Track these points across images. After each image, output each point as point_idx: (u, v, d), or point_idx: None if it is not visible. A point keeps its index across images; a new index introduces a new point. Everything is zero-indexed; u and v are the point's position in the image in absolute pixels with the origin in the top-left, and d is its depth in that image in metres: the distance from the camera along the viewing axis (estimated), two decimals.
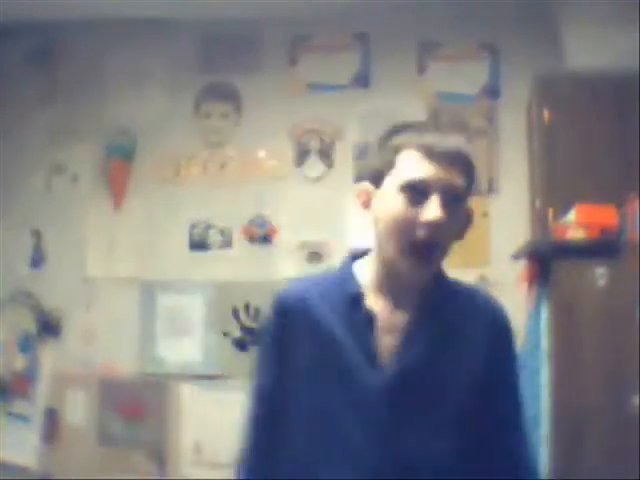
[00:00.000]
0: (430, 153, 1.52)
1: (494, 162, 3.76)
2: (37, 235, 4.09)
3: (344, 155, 3.86)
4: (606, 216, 2.65)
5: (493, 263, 3.67)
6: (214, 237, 3.94)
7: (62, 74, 4.10)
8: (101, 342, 3.96)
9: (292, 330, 1.62)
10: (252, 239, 3.91)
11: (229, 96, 4.00)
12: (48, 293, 4.04)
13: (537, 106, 3.14)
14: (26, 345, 4.07)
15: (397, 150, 1.56)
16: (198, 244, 3.95)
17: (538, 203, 3.17)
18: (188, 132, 4.01)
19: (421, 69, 3.86)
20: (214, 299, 3.89)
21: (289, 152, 3.93)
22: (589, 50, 3.15)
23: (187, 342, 3.91)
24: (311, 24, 3.89)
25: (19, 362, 4.06)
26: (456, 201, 1.55)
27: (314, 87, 3.94)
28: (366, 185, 1.62)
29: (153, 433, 3.89)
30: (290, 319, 1.62)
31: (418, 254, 1.53)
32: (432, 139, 1.54)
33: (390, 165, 1.56)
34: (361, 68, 3.90)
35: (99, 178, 4.06)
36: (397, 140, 1.57)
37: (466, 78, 3.80)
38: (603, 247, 2.60)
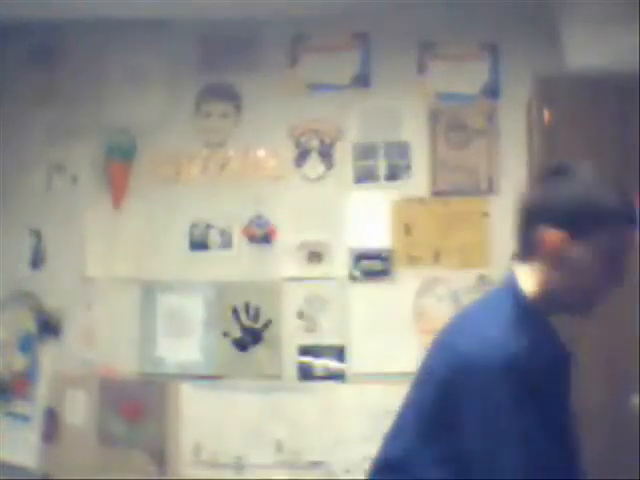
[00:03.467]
0: (630, 224, 1.64)
1: (494, 162, 3.76)
2: (37, 235, 4.08)
3: (344, 155, 3.86)
4: None
5: (493, 263, 3.66)
6: (214, 237, 3.94)
7: (62, 74, 4.09)
8: (101, 342, 3.96)
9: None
10: (252, 239, 3.91)
11: (229, 96, 4.00)
12: (48, 293, 4.04)
13: (537, 106, 3.14)
14: (26, 345, 4.06)
15: (606, 219, 1.62)
16: (198, 244, 3.95)
17: None
18: (188, 132, 4.01)
19: (421, 69, 3.86)
20: (214, 299, 3.89)
21: (289, 152, 3.93)
22: (589, 50, 3.14)
23: (187, 342, 3.91)
24: (311, 24, 3.89)
25: (19, 362, 4.06)
26: None
27: (314, 87, 3.93)
28: (555, 232, 1.68)
29: (153, 433, 3.88)
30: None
31: (597, 307, 1.73)
32: (628, 206, 1.65)
33: (594, 228, 1.64)
34: (361, 68, 3.89)
35: (99, 178, 4.06)
36: (604, 204, 1.62)
37: (466, 78, 3.80)
38: None
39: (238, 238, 3.92)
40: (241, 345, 3.84)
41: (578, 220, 1.62)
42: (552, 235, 1.65)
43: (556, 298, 1.67)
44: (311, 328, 3.79)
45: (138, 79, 4.04)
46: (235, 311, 3.86)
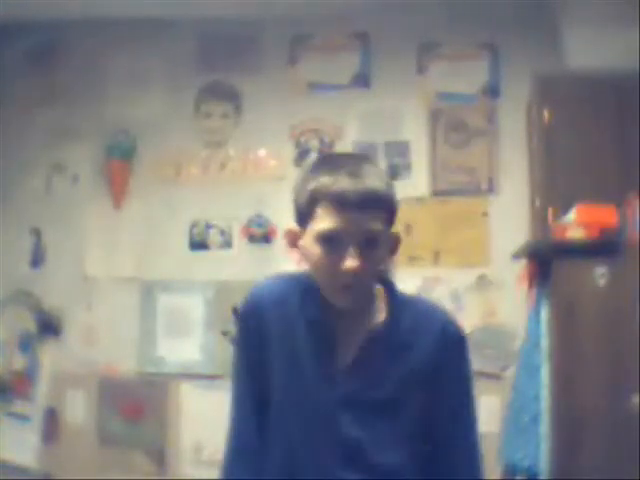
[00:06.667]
0: (342, 203, 1.54)
1: (494, 162, 3.76)
2: (37, 235, 4.09)
3: None
4: (606, 216, 2.65)
5: (493, 263, 3.67)
6: (214, 237, 3.95)
7: (62, 74, 4.10)
8: (101, 342, 3.96)
9: (267, 325, 1.68)
10: (252, 239, 3.91)
11: (229, 96, 4.00)
12: (48, 293, 4.04)
13: (537, 106, 3.14)
14: (26, 345, 4.07)
15: (313, 200, 1.58)
16: (198, 244, 3.95)
17: (538, 203, 3.17)
18: (188, 132, 4.01)
19: (421, 69, 3.86)
20: (214, 299, 3.89)
21: (289, 152, 3.93)
22: (589, 50, 3.15)
23: (187, 342, 3.91)
24: (311, 24, 3.90)
25: (19, 362, 4.06)
26: (374, 242, 1.58)
27: (314, 87, 3.94)
28: (293, 227, 1.66)
29: (153, 433, 3.89)
30: (266, 315, 1.68)
31: (342, 293, 1.60)
32: (345, 185, 1.54)
33: (309, 214, 1.60)
34: (361, 68, 3.90)
35: (99, 178, 4.06)
36: (312, 185, 1.58)
37: (466, 78, 3.81)
38: (603, 247, 2.60)
39: (238, 238, 3.93)
40: None
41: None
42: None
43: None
44: None
45: (138, 79, 4.04)
46: (235, 311, 3.86)
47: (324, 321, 1.66)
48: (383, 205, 1.58)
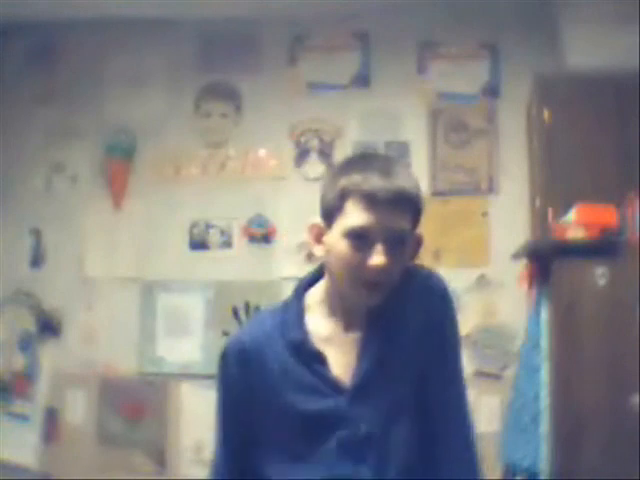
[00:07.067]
0: (373, 200, 1.56)
1: (494, 162, 3.76)
2: (37, 235, 4.09)
3: (344, 155, 3.84)
4: (606, 216, 2.65)
5: (493, 263, 3.67)
6: (214, 237, 3.95)
7: (62, 74, 4.10)
8: (101, 342, 3.96)
9: (250, 374, 1.70)
10: (252, 239, 3.92)
11: (229, 96, 4.00)
12: (48, 293, 4.04)
13: (537, 106, 3.14)
14: (26, 345, 4.07)
15: (343, 196, 1.59)
16: (198, 244, 3.96)
17: (538, 203, 3.17)
18: (188, 132, 4.01)
19: (421, 69, 3.86)
20: (214, 299, 3.90)
21: (289, 152, 3.93)
22: (589, 50, 3.15)
23: (187, 342, 3.92)
24: (311, 24, 3.90)
25: (19, 362, 4.06)
26: (401, 241, 1.59)
27: (314, 87, 3.94)
28: (318, 221, 1.67)
29: (153, 433, 3.89)
30: (246, 363, 1.70)
31: (367, 290, 1.60)
32: (376, 183, 1.56)
33: (338, 209, 1.61)
34: (361, 68, 3.90)
35: (99, 178, 4.06)
36: (343, 182, 1.60)
37: (466, 78, 3.81)
38: (603, 247, 2.60)
39: (238, 238, 3.93)
40: None
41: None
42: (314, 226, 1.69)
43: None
44: None
45: (138, 79, 4.04)
46: (235, 311, 3.86)
47: (309, 340, 1.66)
48: (411, 205, 1.60)
